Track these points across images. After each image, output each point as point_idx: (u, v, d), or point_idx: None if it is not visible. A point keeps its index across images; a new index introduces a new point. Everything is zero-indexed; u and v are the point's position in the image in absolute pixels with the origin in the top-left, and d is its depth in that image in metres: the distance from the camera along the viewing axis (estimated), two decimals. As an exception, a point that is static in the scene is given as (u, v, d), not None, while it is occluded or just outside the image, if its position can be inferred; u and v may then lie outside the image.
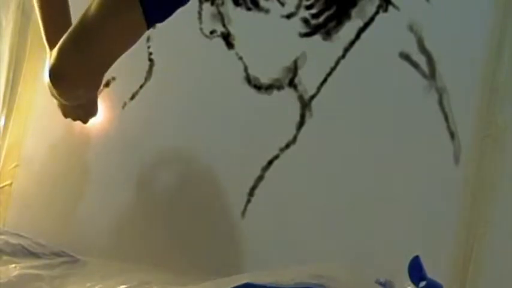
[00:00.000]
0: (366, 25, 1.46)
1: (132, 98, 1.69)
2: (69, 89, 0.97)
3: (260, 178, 1.52)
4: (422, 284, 0.98)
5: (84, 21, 0.88)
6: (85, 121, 1.11)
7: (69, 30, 0.90)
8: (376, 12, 1.45)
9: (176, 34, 1.66)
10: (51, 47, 1.05)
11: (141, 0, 0.83)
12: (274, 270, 1.02)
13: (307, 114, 1.49)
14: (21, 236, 1.63)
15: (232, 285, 0.95)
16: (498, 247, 1.29)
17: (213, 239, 1.54)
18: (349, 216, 1.42)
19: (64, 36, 0.91)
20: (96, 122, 1.74)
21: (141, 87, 1.68)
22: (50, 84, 0.95)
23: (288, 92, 1.52)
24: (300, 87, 1.51)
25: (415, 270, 0.99)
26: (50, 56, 1.06)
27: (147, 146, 1.68)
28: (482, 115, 1.34)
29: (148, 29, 0.86)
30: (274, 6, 1.55)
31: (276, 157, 1.51)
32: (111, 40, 0.88)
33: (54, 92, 0.97)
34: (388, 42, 1.44)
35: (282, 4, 1.54)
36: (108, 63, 0.91)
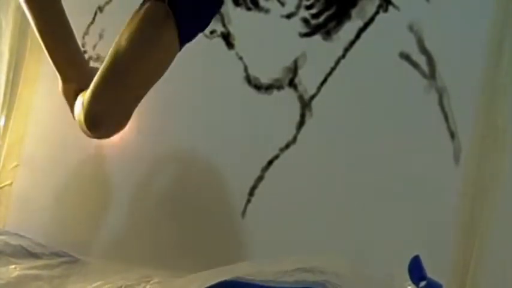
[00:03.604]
0: (366, 25, 1.46)
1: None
2: (108, 131, 0.93)
3: (260, 178, 1.51)
4: (423, 283, 0.98)
5: (115, 58, 0.84)
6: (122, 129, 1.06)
7: (101, 70, 0.86)
8: (376, 12, 1.45)
9: (176, 34, 1.66)
10: (63, 74, 1.02)
11: (175, 23, 0.81)
12: (273, 261, 1.02)
13: (307, 114, 1.49)
14: (21, 236, 1.63)
15: (225, 278, 0.95)
16: (498, 247, 1.28)
17: (214, 239, 1.54)
18: (349, 216, 1.42)
19: (96, 78, 0.87)
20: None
21: (141, 87, 1.68)
22: (86, 128, 0.90)
23: (288, 92, 1.52)
24: (300, 87, 1.51)
25: (415, 269, 0.99)
26: (62, 85, 1.03)
27: (147, 146, 1.68)
28: (482, 115, 1.34)
29: (179, 50, 0.83)
30: (274, 6, 1.55)
31: (276, 157, 1.51)
32: (148, 70, 0.84)
33: (89, 134, 0.92)
34: (388, 42, 1.44)
35: (282, 4, 1.54)
36: (144, 94, 0.87)
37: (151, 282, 1.34)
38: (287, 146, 1.50)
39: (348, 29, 1.47)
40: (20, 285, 1.35)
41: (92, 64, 1.74)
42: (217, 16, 1.61)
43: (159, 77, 0.87)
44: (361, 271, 1.01)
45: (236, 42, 1.59)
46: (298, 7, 1.53)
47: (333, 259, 1.00)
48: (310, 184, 1.47)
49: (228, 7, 1.59)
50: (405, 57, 1.41)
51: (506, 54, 1.33)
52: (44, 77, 1.84)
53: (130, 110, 0.88)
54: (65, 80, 1.02)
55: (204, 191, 1.59)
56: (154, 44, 0.83)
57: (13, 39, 1.84)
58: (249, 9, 1.58)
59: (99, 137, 0.98)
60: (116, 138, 0.95)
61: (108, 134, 0.95)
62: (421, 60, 1.40)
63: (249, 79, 1.56)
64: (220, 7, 0.91)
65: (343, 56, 1.47)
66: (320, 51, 1.50)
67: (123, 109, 0.88)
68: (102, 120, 0.88)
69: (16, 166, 1.84)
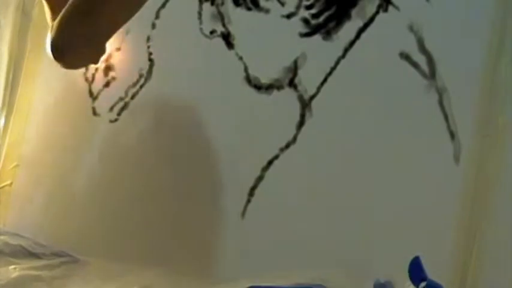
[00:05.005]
0: (366, 25, 1.46)
1: (133, 97, 1.70)
2: (74, 63, 0.93)
3: (260, 178, 1.51)
4: (423, 284, 0.98)
5: None
6: (96, 63, 1.04)
7: (71, 0, 0.84)
8: (376, 12, 1.45)
9: (176, 34, 1.66)
10: (54, 17, 0.97)
11: None
12: (274, 275, 1.02)
13: (307, 114, 1.49)
14: (21, 236, 1.63)
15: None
16: (498, 247, 1.28)
17: (213, 239, 1.54)
18: (349, 216, 1.42)
19: (66, 7, 0.85)
20: (97, 121, 1.74)
21: (141, 87, 1.68)
22: (53, 57, 0.89)
23: (288, 92, 1.52)
24: (300, 87, 1.51)
25: (416, 270, 0.99)
26: (51, 28, 1.00)
27: (147, 146, 1.68)
28: (482, 115, 1.34)
29: None
30: (274, 6, 1.55)
31: (276, 157, 1.51)
32: (118, 6, 0.82)
33: (58, 64, 0.91)
34: (388, 42, 1.44)
35: (282, 4, 1.54)
36: (113, 32, 0.85)
37: None
38: (287, 146, 1.50)
39: (348, 29, 1.47)
40: (20, 285, 1.35)
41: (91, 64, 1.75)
42: (217, 16, 1.61)
43: (132, 15, 0.85)
44: (361, 284, 1.01)
45: (236, 42, 1.59)
46: (298, 7, 1.53)
47: (334, 273, 1.00)
48: (310, 184, 1.47)
49: (228, 7, 1.59)
50: (405, 57, 1.41)
51: (506, 54, 1.33)
52: (43, 77, 1.84)
53: (99, 45, 0.86)
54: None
55: (203, 191, 1.59)
56: None
57: (13, 39, 1.84)
58: (249, 9, 1.58)
59: (65, 67, 0.94)
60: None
61: (72, 65, 0.94)
62: (421, 60, 1.40)
63: (249, 79, 1.56)
64: None
65: (343, 56, 1.47)
66: (320, 51, 1.50)
67: (90, 42, 0.86)
68: (63, 51, 0.87)
69: (16, 166, 1.84)
